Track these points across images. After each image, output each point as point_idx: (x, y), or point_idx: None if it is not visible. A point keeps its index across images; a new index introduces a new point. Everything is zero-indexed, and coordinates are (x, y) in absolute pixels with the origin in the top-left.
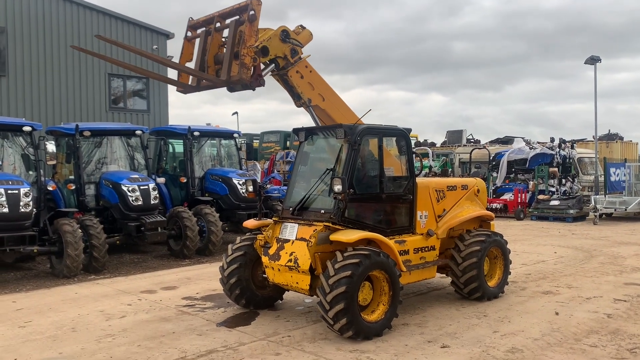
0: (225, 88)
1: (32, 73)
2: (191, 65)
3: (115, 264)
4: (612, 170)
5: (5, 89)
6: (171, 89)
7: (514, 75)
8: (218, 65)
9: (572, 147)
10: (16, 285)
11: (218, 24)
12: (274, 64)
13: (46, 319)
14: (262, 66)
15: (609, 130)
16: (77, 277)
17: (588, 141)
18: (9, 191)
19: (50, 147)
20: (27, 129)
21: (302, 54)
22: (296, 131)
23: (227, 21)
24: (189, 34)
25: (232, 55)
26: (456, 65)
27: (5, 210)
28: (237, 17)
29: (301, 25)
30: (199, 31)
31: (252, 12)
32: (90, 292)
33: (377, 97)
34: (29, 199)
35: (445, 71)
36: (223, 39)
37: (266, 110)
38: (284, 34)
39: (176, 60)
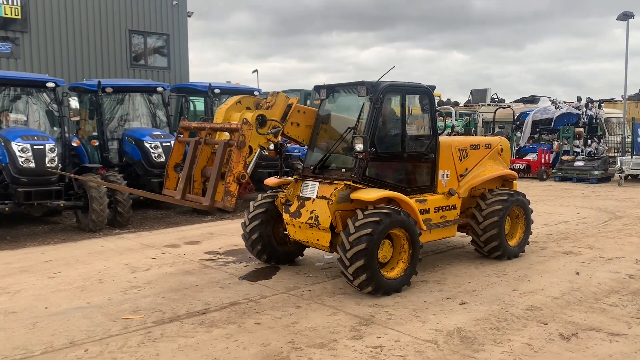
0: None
1: (54, 30)
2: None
3: (139, 219)
4: None
5: (28, 46)
6: (193, 46)
7: (537, 33)
8: (204, 178)
9: (600, 107)
10: (44, 238)
11: (209, 136)
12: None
13: (74, 271)
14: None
15: (639, 90)
16: (102, 231)
17: (616, 101)
18: (35, 146)
19: (74, 103)
20: (50, 85)
21: (283, 126)
22: (317, 89)
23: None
24: (181, 135)
25: (218, 178)
26: (477, 22)
27: (32, 165)
28: (228, 138)
29: (273, 93)
30: (189, 137)
31: (241, 139)
32: (115, 245)
33: (397, 55)
34: (55, 154)
35: (466, 29)
36: (213, 152)
37: (284, 69)
38: (260, 120)
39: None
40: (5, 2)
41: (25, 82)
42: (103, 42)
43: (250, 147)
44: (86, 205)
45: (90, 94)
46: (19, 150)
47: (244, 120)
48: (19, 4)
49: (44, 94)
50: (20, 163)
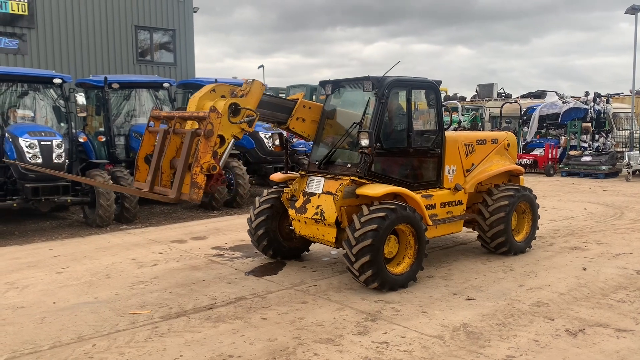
0: None
1: (60, 26)
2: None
3: (146, 214)
4: None
5: (35, 42)
6: (197, 42)
7: (541, 28)
8: (173, 169)
9: (608, 102)
10: (52, 233)
11: (178, 125)
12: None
13: (81, 266)
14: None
15: None
16: (109, 226)
17: (624, 95)
18: (42, 142)
19: (80, 99)
20: (57, 81)
21: (257, 114)
22: (323, 84)
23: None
24: (152, 124)
25: (185, 170)
26: (481, 16)
27: (39, 161)
28: (197, 126)
29: (248, 80)
30: (161, 126)
31: (209, 128)
32: (122, 241)
33: (401, 50)
34: (62, 150)
35: (470, 23)
36: (182, 142)
37: (288, 64)
38: (232, 109)
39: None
40: None
41: (32, 78)
42: (109, 38)
43: (222, 137)
44: (93, 201)
45: (96, 90)
46: (26, 146)
47: (212, 108)
48: (25, 0)
49: (51, 90)
50: (28, 159)
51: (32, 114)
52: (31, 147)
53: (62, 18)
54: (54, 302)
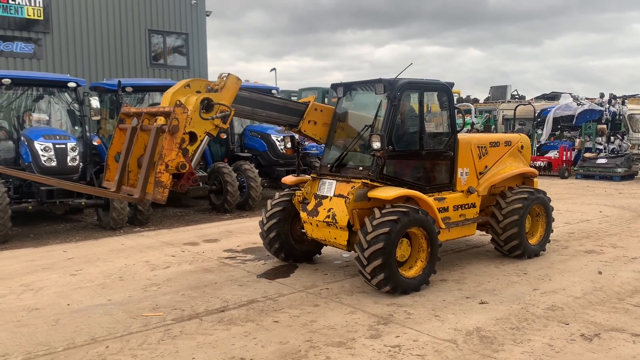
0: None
1: (75, 30)
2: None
3: (159, 217)
4: None
5: (50, 46)
6: (209, 46)
7: (553, 29)
8: (140, 169)
9: (623, 103)
10: (66, 236)
11: (146, 121)
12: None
13: (95, 268)
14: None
15: None
16: (122, 229)
17: None
18: (57, 145)
19: (95, 102)
20: (71, 85)
21: (232, 110)
22: (334, 87)
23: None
24: (123, 121)
25: (150, 168)
26: (492, 18)
27: (54, 164)
28: (163, 122)
29: (222, 75)
30: (132, 122)
31: (174, 123)
32: (135, 243)
33: (412, 52)
34: (76, 153)
35: (481, 25)
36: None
37: (300, 67)
38: (205, 104)
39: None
40: (28, 4)
41: (48, 82)
42: (123, 42)
43: (193, 134)
44: (107, 204)
45: (110, 94)
46: (41, 149)
47: (177, 103)
48: (41, 5)
49: (66, 94)
50: (43, 162)
51: (47, 118)
52: (46, 151)
53: (76, 23)
54: (68, 304)
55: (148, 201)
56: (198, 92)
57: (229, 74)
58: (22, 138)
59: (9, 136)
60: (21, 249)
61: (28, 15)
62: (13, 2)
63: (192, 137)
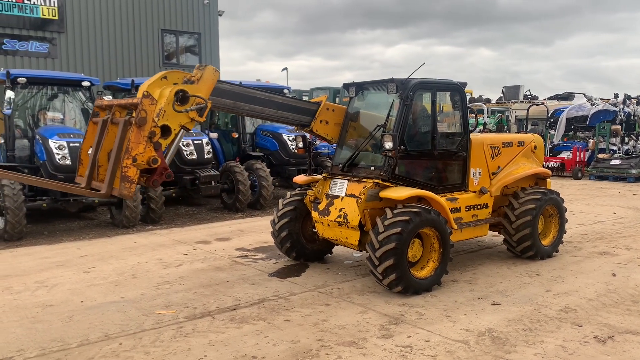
0: None
1: (89, 30)
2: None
3: (171, 215)
4: None
5: (64, 46)
6: (220, 46)
7: (565, 29)
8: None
9: (638, 104)
10: (80, 233)
11: (117, 114)
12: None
13: (108, 266)
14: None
15: None
16: (135, 227)
17: None
18: (71, 144)
19: None
20: (85, 84)
21: (209, 103)
22: (346, 86)
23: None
24: (97, 114)
25: (117, 162)
26: (502, 18)
27: (68, 162)
28: (130, 114)
29: (200, 66)
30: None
31: (142, 115)
32: (148, 241)
33: (423, 52)
34: None
35: (492, 25)
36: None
37: (310, 67)
38: (180, 96)
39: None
40: (43, 4)
41: (62, 81)
42: (136, 42)
43: (167, 127)
44: (120, 202)
45: (124, 92)
46: (55, 148)
47: (145, 94)
48: (56, 5)
49: (80, 93)
50: (57, 160)
51: (62, 116)
52: (60, 149)
53: (90, 22)
54: (82, 301)
55: (115, 197)
56: (175, 84)
57: (206, 65)
58: (37, 136)
59: (24, 134)
60: (36, 246)
61: (43, 15)
62: (28, 2)
63: (165, 130)
